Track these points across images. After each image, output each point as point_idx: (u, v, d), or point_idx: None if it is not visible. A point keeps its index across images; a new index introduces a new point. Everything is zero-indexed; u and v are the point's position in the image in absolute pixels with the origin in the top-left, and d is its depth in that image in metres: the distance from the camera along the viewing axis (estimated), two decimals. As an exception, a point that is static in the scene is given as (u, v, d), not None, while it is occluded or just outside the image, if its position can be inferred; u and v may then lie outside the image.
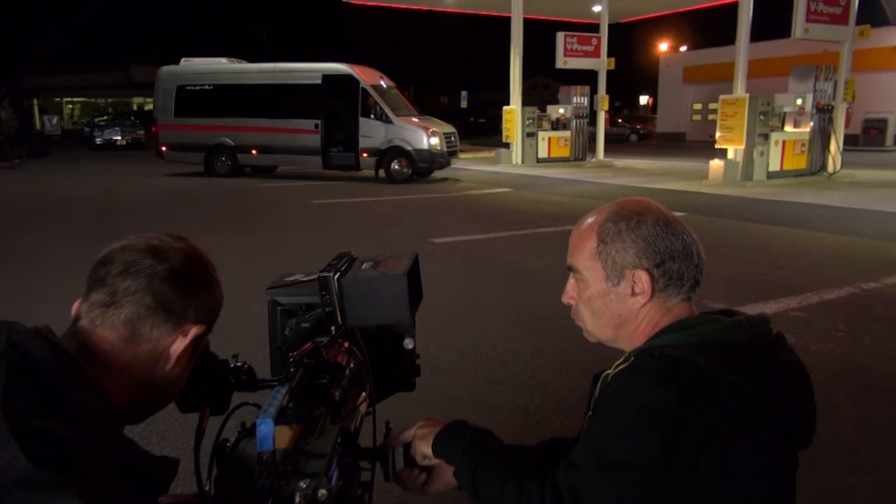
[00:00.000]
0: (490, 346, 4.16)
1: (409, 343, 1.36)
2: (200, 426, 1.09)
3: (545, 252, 6.91)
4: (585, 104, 19.62)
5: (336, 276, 1.25)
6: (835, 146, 13.96)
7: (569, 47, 19.27)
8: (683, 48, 40.71)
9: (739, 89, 12.92)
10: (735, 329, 1.05)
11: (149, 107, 32.58)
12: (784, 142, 13.39)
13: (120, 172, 17.13)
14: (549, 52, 18.96)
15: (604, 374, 1.13)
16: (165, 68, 16.15)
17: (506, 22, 18.78)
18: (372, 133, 14.56)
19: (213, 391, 1.22)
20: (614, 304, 1.13)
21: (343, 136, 14.97)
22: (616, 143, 29.63)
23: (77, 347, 0.98)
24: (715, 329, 1.05)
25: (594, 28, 20.69)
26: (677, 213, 4.81)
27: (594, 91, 20.01)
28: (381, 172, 14.72)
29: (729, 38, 31.25)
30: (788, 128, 13.49)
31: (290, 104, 15.15)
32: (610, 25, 20.69)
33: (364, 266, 1.28)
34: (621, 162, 19.30)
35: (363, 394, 1.33)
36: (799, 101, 13.62)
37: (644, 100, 49.43)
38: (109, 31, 55.99)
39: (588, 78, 20.24)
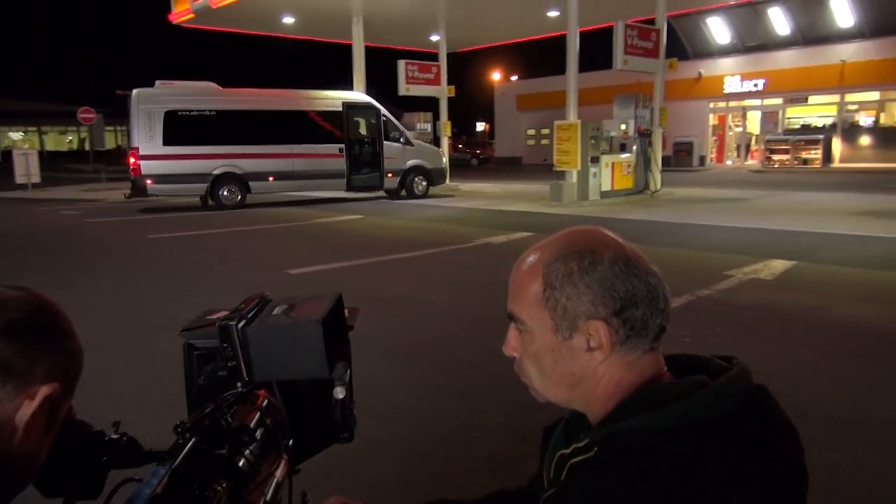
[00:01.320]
0: (364, 378, 4.01)
1: (339, 392, 1.19)
2: None
3: (402, 278, 6.87)
4: (429, 130, 20.09)
5: (240, 325, 1.08)
6: (655, 167, 15.33)
7: (410, 75, 19.67)
8: (514, 77, 43.12)
9: (572, 115, 13.82)
10: (717, 400, 0.84)
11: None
12: (613, 163, 14.50)
13: None
14: (392, 80, 19.21)
15: (560, 453, 0.93)
16: (143, 91, 14.18)
17: (346, 49, 18.83)
18: (392, 155, 16.09)
19: (81, 469, 1.01)
20: (567, 361, 0.93)
21: (366, 160, 16.04)
22: (458, 168, 30.53)
23: None
24: (695, 405, 0.83)
25: (433, 57, 21.33)
26: (526, 234, 4.95)
27: (436, 117, 20.58)
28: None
29: (556, 69, 33.51)
30: (617, 154, 14.65)
31: (313, 129, 15.53)
32: (448, 54, 21.43)
33: (276, 311, 1.12)
34: (466, 186, 19.87)
35: (283, 456, 1.17)
36: (623, 127, 14.86)
37: (481, 126, 51.63)
38: None
39: (429, 105, 20.78)
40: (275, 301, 1.17)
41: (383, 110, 16.09)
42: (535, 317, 0.93)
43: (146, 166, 14.05)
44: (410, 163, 16.41)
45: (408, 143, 16.48)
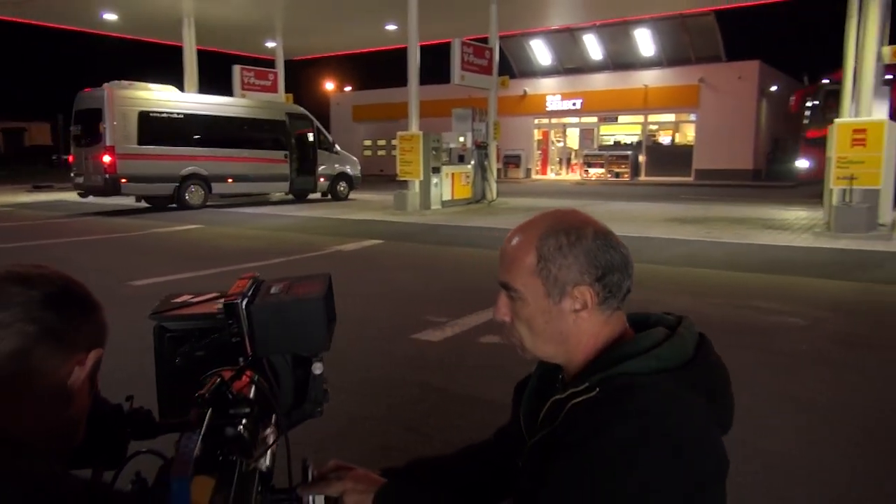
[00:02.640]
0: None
1: (317, 368, 1.29)
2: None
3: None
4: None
5: (244, 303, 1.16)
6: (491, 178, 16.19)
7: (246, 81, 19.18)
8: (348, 88, 43.17)
9: (414, 127, 14.23)
10: (683, 346, 1.06)
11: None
12: (453, 174, 15.12)
13: None
14: (228, 85, 18.56)
15: (554, 399, 1.09)
16: (117, 91, 14.41)
17: (178, 51, 17.91)
18: (324, 162, 18.04)
19: (106, 442, 1.06)
20: (556, 321, 1.09)
21: (306, 165, 17.66)
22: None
23: None
24: (672, 350, 1.05)
25: (271, 63, 20.89)
26: (375, 241, 5.30)
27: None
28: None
29: (391, 81, 34.02)
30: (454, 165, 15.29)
31: (265, 136, 16.99)
32: (286, 62, 21.12)
33: (273, 290, 1.21)
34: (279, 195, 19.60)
35: (269, 427, 1.25)
36: (461, 139, 15.56)
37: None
38: None
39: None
40: (268, 282, 1.26)
41: (316, 122, 18.09)
42: (529, 285, 1.09)
43: (122, 165, 14.26)
44: (338, 169, 18.45)
45: (335, 151, 18.52)
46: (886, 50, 10.23)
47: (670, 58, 27.96)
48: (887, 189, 10.13)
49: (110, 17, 18.25)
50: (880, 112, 10.22)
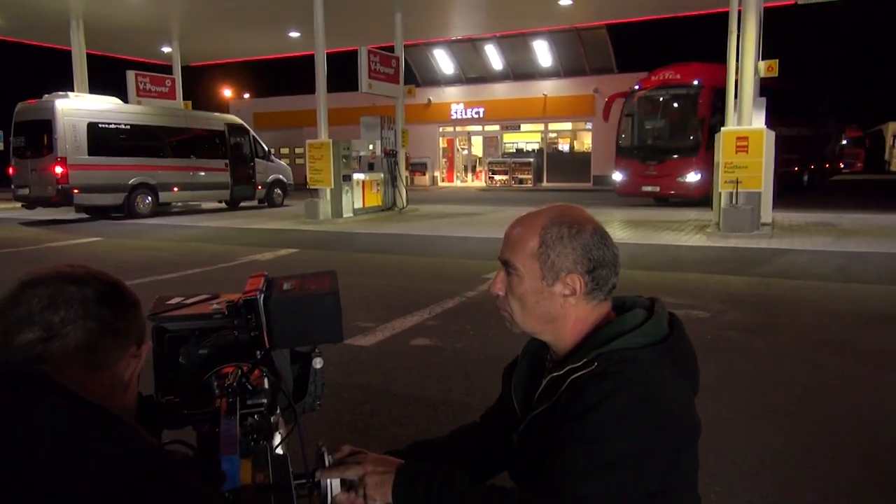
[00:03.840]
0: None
1: (318, 362, 1.36)
2: None
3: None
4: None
5: (263, 298, 1.23)
6: (401, 185, 16.31)
7: (142, 87, 18.39)
8: (247, 95, 42.06)
9: (323, 134, 14.14)
10: (661, 324, 1.23)
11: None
12: (364, 182, 15.12)
13: None
14: (122, 91, 17.71)
15: (551, 376, 1.21)
16: (65, 102, 14.62)
17: (67, 56, 16.96)
18: (261, 170, 18.85)
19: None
20: (546, 302, 1.22)
21: (244, 173, 18.39)
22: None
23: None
24: (654, 327, 1.21)
25: (167, 69, 20.13)
26: (291, 250, 5.48)
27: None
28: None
29: (292, 88, 33.34)
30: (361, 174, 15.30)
31: (206, 146, 17.66)
32: (183, 67, 20.41)
33: (286, 286, 1.28)
34: (209, 204, 19.02)
35: (276, 417, 1.32)
36: (371, 147, 15.59)
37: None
38: None
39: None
40: (278, 278, 1.33)
41: (252, 131, 19.03)
42: (528, 265, 1.23)
43: (74, 176, 14.37)
44: (272, 177, 19.29)
45: (270, 160, 19.41)
46: (762, 65, 11.19)
47: (567, 68, 29.11)
48: (767, 191, 11.05)
49: (-10, 18, 17.04)
50: (759, 121, 11.15)
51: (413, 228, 12.47)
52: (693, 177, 16.23)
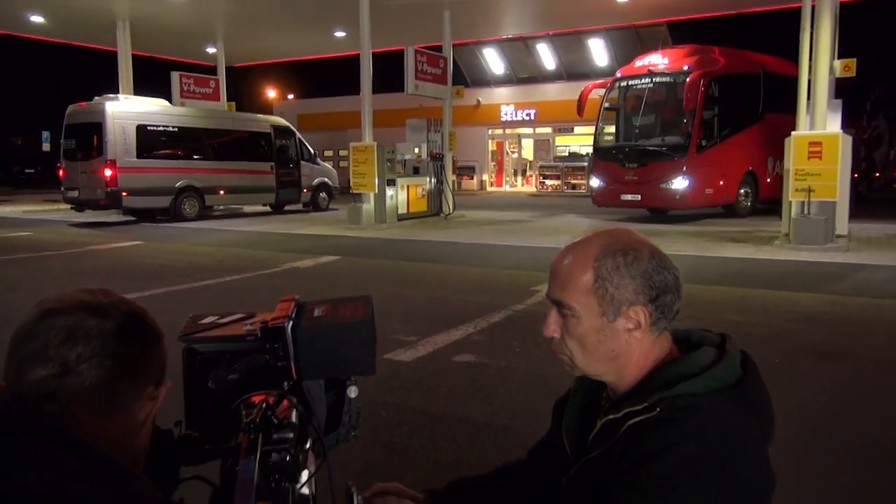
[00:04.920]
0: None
1: (353, 391, 1.32)
2: None
3: (216, 306, 6.67)
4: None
5: (290, 326, 1.20)
6: (448, 190, 16.32)
7: (186, 88, 18.93)
8: (291, 96, 42.84)
9: (367, 137, 14.25)
10: (733, 366, 1.15)
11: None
12: (408, 186, 15.17)
13: None
14: (167, 92, 18.26)
15: (607, 419, 1.15)
16: (115, 105, 15.19)
17: (113, 57, 17.57)
18: (307, 173, 19.23)
19: (159, 466, 1.08)
20: (609, 340, 1.16)
21: (290, 177, 18.80)
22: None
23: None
24: (725, 370, 1.13)
25: (211, 70, 20.66)
26: (332, 257, 5.44)
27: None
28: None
29: (337, 89, 33.79)
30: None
31: (253, 148, 18.12)
32: (227, 68, 20.92)
33: (317, 313, 1.25)
34: (252, 208, 19.39)
35: (306, 453, 1.28)
36: (416, 150, 15.65)
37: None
38: None
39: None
40: (309, 304, 1.29)
41: (298, 134, 19.37)
42: (584, 303, 1.16)
43: (123, 178, 14.90)
44: (318, 180, 19.64)
45: (316, 162, 19.82)
46: (838, 64, 10.81)
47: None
48: (843, 201, 10.66)
49: (37, 19, 17.74)
50: (834, 124, 10.76)
51: (459, 236, 12.44)
52: (679, 183, 14.00)
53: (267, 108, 39.72)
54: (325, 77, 37.21)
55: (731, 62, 15.10)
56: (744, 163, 15.29)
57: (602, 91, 16.02)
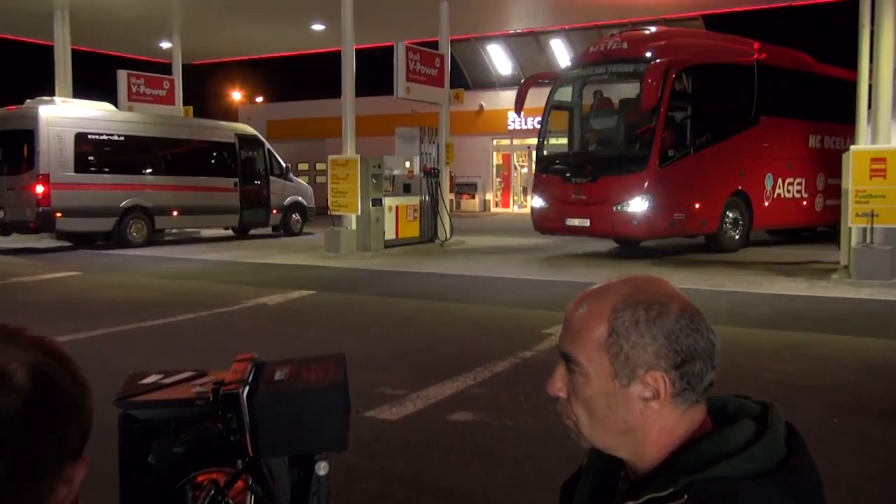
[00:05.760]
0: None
1: (322, 468, 1.31)
2: None
3: (166, 354, 6.66)
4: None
5: (246, 392, 1.19)
6: (444, 212, 16.34)
7: (135, 90, 19.13)
8: (260, 99, 43.21)
9: (349, 149, 14.33)
10: (777, 443, 1.13)
11: None
12: (397, 207, 15.21)
13: None
14: (113, 94, 18.44)
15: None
16: (49, 110, 15.06)
17: (49, 52, 17.74)
18: (277, 191, 19.17)
19: None
20: (620, 408, 1.14)
21: (257, 195, 18.74)
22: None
23: None
24: (766, 448, 1.11)
25: (165, 68, 20.85)
26: (305, 292, 5.50)
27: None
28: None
29: (313, 91, 33.98)
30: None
31: (213, 161, 18.26)
32: (184, 66, 21.11)
33: (279, 376, 1.24)
34: (212, 231, 19.42)
35: None
36: (408, 164, 15.74)
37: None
38: None
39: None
40: (269, 364, 1.29)
41: (267, 144, 19.36)
42: (595, 360, 1.14)
43: (57, 196, 14.67)
44: (290, 199, 19.63)
45: (288, 178, 19.91)
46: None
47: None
48: (914, 227, 10.68)
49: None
50: (901, 138, 10.84)
51: (457, 267, 12.45)
52: (637, 204, 12.75)
53: (231, 114, 39.97)
54: (300, 77, 37.49)
55: (711, 49, 14.53)
56: (730, 180, 14.09)
57: (550, 85, 15.15)
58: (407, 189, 15.78)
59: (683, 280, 10.78)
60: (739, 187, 14.28)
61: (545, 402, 5.26)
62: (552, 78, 15.41)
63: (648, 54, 13.18)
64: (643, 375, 1.13)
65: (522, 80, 15.10)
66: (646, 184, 12.71)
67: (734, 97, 14.53)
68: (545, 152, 14.77)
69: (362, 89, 15.07)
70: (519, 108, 14.56)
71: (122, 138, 16.29)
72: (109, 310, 8.67)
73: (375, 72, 18.89)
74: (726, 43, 15.11)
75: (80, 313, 8.42)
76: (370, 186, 14.26)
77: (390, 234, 14.97)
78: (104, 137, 15.98)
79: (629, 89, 13.63)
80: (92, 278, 11.45)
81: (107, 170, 15.95)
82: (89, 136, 15.59)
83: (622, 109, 13.86)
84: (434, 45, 16.73)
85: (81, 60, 18.46)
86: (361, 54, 15.28)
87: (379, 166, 14.63)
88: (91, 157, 15.69)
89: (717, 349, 1.16)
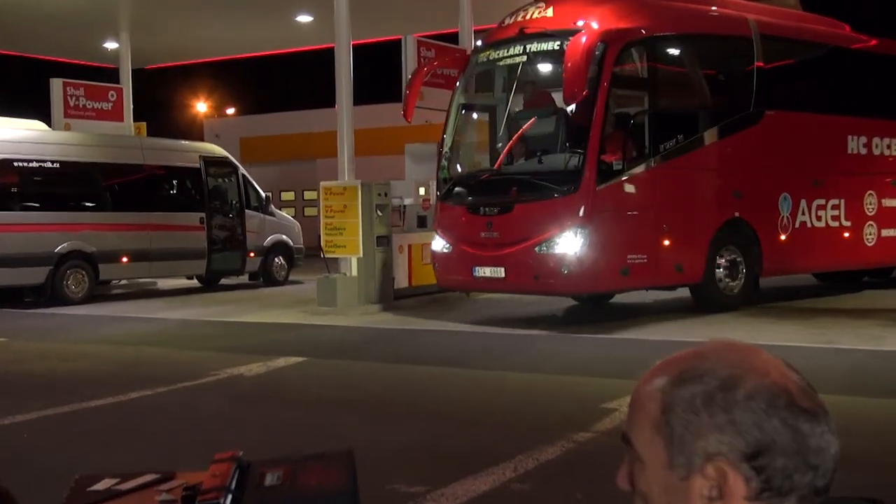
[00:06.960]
0: None
1: None
2: None
3: (113, 444, 6.69)
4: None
5: (230, 502, 1.21)
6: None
7: (73, 102, 19.34)
8: (231, 110, 43.74)
9: (347, 172, 14.43)
10: None
11: None
12: (410, 246, 15.18)
13: None
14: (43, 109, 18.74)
15: None
16: None
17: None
18: (255, 228, 19.29)
19: None
20: None
21: (229, 234, 18.96)
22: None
23: None
24: None
25: (111, 75, 21.15)
26: (294, 359, 5.57)
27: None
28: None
29: (295, 101, 34.12)
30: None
31: (172, 191, 18.88)
32: (134, 71, 21.31)
33: (270, 480, 1.26)
34: (172, 282, 19.57)
35: None
36: (422, 191, 15.76)
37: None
38: None
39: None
40: (256, 464, 1.31)
41: (241, 169, 19.53)
42: (647, 443, 1.16)
43: None
44: (272, 238, 19.84)
45: (269, 211, 20.07)
46: None
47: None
48: None
49: None
50: None
51: (488, 321, 12.43)
52: (568, 244, 11.21)
53: (195, 131, 40.51)
54: (282, 83, 38.00)
55: (682, 13, 12.97)
56: (720, 203, 12.78)
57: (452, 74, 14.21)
58: (422, 223, 15.78)
59: (782, 334, 10.70)
60: (736, 213, 12.74)
61: (609, 501, 5.21)
62: (454, 65, 14.45)
63: (579, 23, 11.63)
64: (703, 467, 1.12)
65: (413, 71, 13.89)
66: (579, 211, 11.22)
67: (722, 84, 13.33)
68: (448, 172, 13.28)
69: (363, 96, 15.20)
70: (408, 111, 13.71)
71: (56, 165, 16.46)
72: (43, 387, 8.72)
73: (379, 73, 19.08)
74: (707, 5, 13.55)
75: (3, 392, 8.47)
76: (374, 221, 14.28)
77: (402, 282, 14.96)
78: (34, 165, 16.15)
79: (554, 73, 12.10)
80: (19, 346, 11.54)
81: (37, 206, 16.11)
82: (14, 164, 15.77)
83: (544, 104, 12.76)
84: (452, 38, 16.84)
85: (7, 68, 18.76)
86: (360, 51, 15.44)
87: (385, 194, 14.65)
88: (15, 190, 15.88)
89: (818, 444, 1.13)
